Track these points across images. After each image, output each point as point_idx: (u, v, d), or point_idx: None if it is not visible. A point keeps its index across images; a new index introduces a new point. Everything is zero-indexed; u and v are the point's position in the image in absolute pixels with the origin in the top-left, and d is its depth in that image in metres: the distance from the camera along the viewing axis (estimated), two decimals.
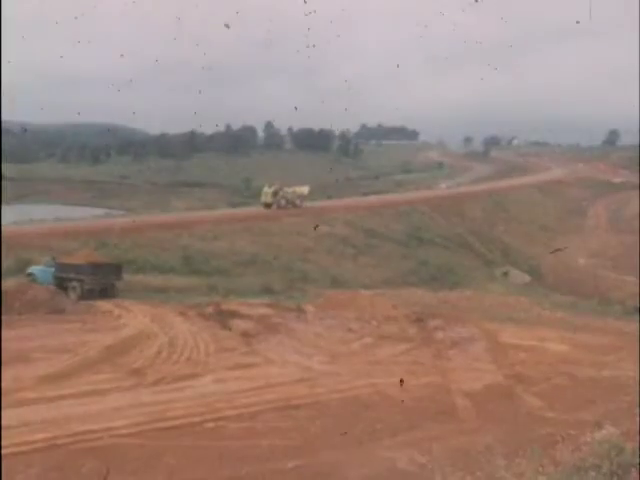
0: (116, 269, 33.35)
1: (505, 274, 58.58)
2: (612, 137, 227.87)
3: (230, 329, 24.36)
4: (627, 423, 13.28)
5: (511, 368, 19.95)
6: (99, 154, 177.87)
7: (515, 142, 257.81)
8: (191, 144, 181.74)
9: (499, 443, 11.97)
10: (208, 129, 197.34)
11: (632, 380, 18.15)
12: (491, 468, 9.46)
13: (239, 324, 25.09)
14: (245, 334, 23.55)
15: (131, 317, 26.17)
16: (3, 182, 76.76)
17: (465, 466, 11.09)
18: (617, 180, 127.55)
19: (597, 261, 67.32)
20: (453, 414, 15.46)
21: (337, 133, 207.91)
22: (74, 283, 31.27)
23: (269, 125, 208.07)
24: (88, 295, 30.79)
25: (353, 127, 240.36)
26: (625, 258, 64.75)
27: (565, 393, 17.54)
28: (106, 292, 31.87)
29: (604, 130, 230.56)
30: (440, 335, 24.65)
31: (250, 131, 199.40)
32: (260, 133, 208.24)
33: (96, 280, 31.63)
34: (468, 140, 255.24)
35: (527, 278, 57.78)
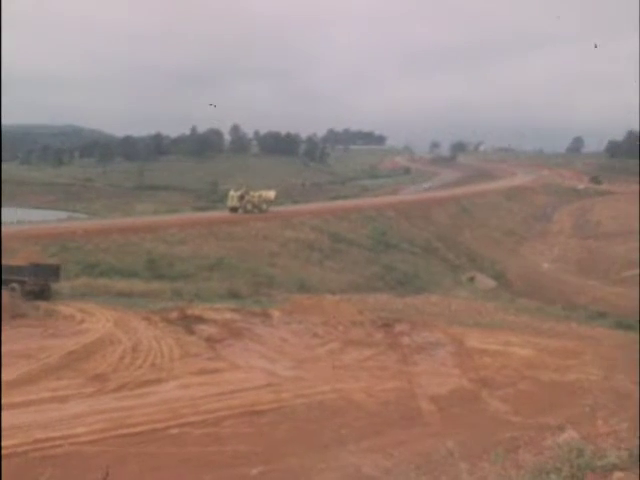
0: (55, 270, 32.35)
1: (471, 279, 58.92)
2: (576, 144, 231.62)
3: (194, 334, 24.14)
4: (588, 426, 13.45)
5: (476, 372, 20.08)
6: (62, 156, 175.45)
7: (482, 148, 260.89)
8: (157, 147, 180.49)
9: (463, 447, 12.00)
10: (174, 132, 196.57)
11: (594, 384, 18.43)
12: (455, 472, 9.50)
13: (204, 329, 24.87)
14: (210, 339, 23.34)
15: (94, 322, 25.74)
16: None
17: (429, 470, 11.12)
18: (581, 187, 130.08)
19: (561, 266, 68.25)
20: (418, 419, 15.51)
21: (304, 137, 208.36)
22: (14, 285, 29.93)
23: (235, 128, 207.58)
24: (27, 296, 29.61)
25: (320, 131, 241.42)
26: (589, 263, 65.83)
27: (529, 397, 17.72)
28: (43, 293, 31.01)
29: (569, 137, 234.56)
30: (406, 340, 24.72)
31: (216, 134, 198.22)
32: (226, 136, 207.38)
33: (37, 281, 30.73)
34: (435, 145, 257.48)
35: (493, 283, 58.18)
